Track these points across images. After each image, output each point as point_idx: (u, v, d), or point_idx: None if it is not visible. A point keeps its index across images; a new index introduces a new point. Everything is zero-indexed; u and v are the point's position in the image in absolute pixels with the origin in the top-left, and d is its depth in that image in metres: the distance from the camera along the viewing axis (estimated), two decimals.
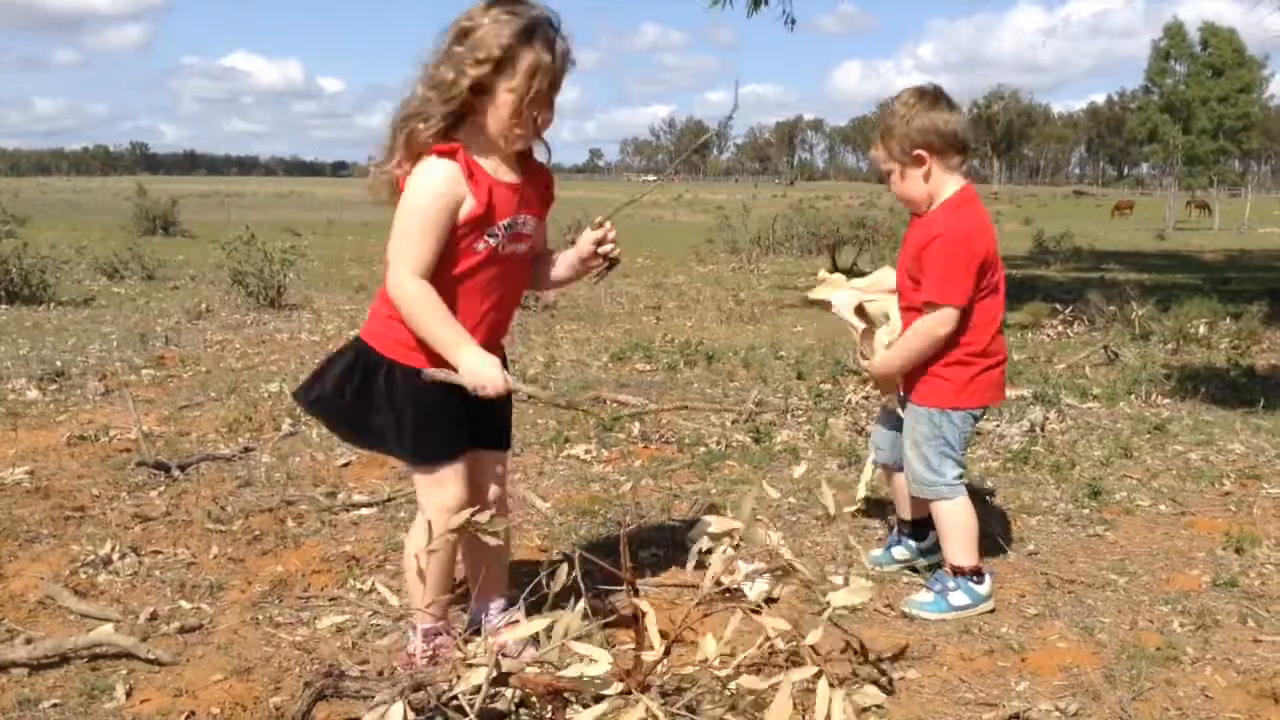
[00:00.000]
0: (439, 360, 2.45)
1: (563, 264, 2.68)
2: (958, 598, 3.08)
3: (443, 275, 2.43)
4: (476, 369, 2.40)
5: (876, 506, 3.95)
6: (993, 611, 3.11)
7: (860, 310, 3.20)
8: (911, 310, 3.06)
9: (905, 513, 3.44)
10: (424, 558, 2.45)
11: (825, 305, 3.28)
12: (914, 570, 3.41)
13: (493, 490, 2.74)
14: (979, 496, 4.21)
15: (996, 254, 3.04)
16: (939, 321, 2.94)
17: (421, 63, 2.43)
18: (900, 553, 3.47)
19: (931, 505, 3.16)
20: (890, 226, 19.32)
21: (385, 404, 2.52)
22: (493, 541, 2.46)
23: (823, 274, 3.37)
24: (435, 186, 2.37)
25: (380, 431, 2.55)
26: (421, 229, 2.37)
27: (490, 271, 2.49)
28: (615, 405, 5.88)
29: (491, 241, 2.45)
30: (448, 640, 2.56)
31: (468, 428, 2.59)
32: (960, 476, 3.12)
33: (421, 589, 2.55)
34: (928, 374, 3.06)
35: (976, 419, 3.17)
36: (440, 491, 2.55)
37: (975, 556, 3.12)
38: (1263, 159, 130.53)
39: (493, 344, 2.56)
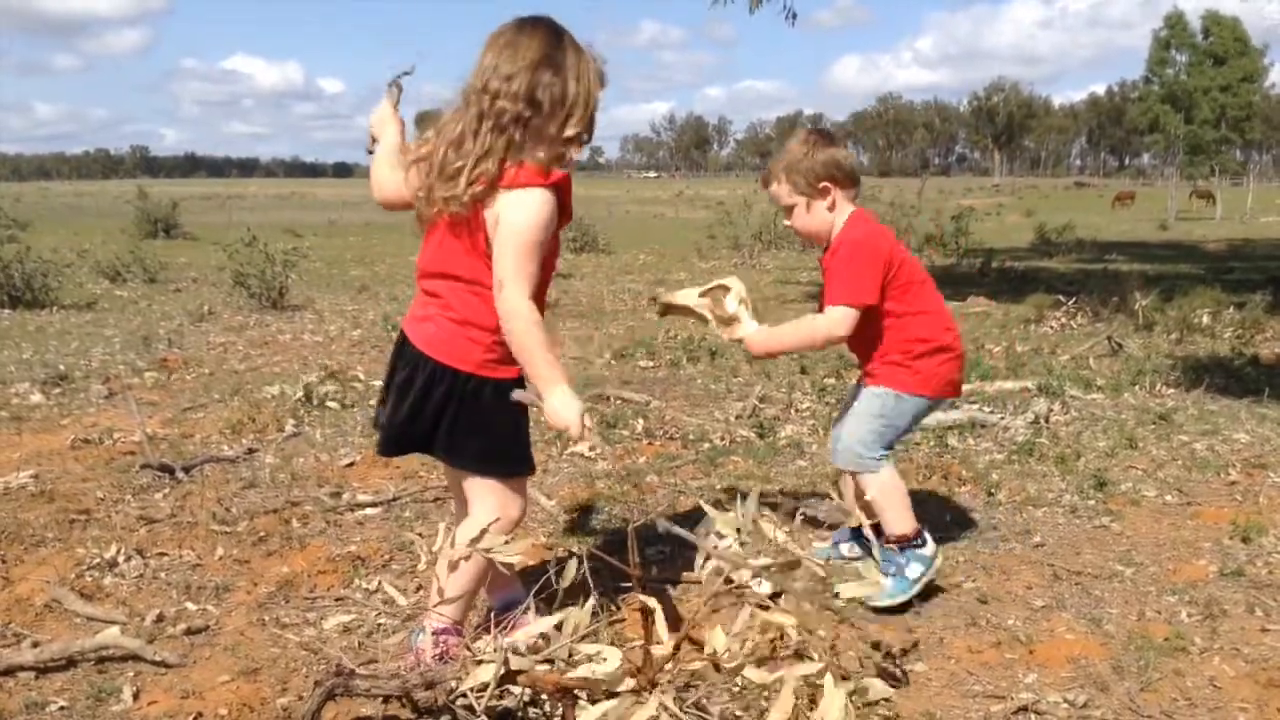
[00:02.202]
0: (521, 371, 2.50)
1: None
2: (913, 570, 3.10)
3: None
4: (561, 410, 2.41)
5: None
6: (935, 575, 3.14)
7: (703, 295, 3.22)
8: None
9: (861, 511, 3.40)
10: (469, 564, 2.48)
11: (676, 309, 3.27)
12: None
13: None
14: (984, 490, 4.21)
15: (905, 252, 3.18)
16: (837, 321, 3.03)
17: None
18: (847, 549, 3.47)
19: (858, 479, 3.18)
20: (891, 220, 19.31)
21: (473, 420, 2.53)
22: (506, 569, 2.48)
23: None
24: (548, 211, 2.43)
25: (470, 448, 2.57)
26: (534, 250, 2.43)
27: (549, 273, 2.57)
28: (619, 403, 5.88)
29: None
30: (457, 639, 2.56)
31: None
32: (885, 456, 3.17)
33: (453, 587, 2.56)
34: (891, 364, 3.13)
35: (927, 410, 3.25)
36: (513, 501, 2.60)
37: (913, 521, 3.15)
38: (1264, 148, 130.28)
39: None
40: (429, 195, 2.49)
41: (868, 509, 3.23)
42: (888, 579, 3.11)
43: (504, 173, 2.42)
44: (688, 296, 3.19)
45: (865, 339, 3.12)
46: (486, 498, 2.58)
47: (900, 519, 3.14)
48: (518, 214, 2.40)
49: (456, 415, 2.53)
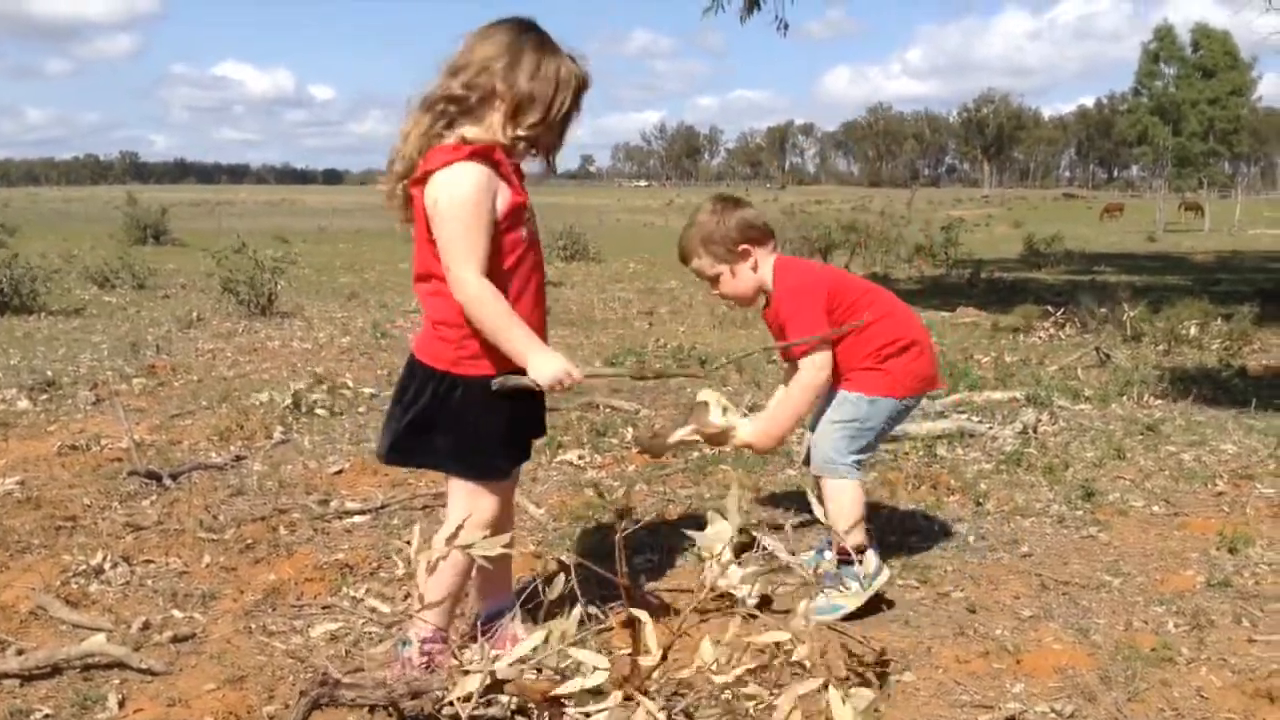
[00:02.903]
0: (504, 365, 2.45)
1: None
2: (852, 587, 3.09)
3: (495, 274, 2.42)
4: (544, 370, 2.39)
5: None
6: (888, 584, 3.14)
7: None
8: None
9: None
10: (446, 566, 2.46)
11: (667, 449, 3.25)
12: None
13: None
14: (972, 499, 4.22)
15: (843, 275, 3.32)
16: (815, 367, 3.08)
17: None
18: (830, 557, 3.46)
19: (823, 483, 3.16)
20: (881, 230, 19.39)
21: (446, 419, 2.50)
22: (487, 564, 2.45)
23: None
24: (474, 182, 2.38)
25: (437, 448, 2.54)
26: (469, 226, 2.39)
27: (533, 270, 2.53)
28: (609, 411, 5.88)
29: (527, 228, 2.50)
30: (443, 648, 2.55)
31: (521, 449, 2.63)
32: (859, 463, 3.18)
33: (431, 591, 2.54)
34: (863, 370, 3.14)
35: (905, 410, 3.27)
36: (486, 503, 2.55)
37: (862, 534, 3.14)
38: (1252, 161, 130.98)
39: (544, 335, 2.56)
40: (387, 196, 2.52)
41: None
42: (824, 596, 3.09)
43: (431, 156, 2.40)
44: (673, 436, 3.16)
45: (837, 360, 3.16)
46: (459, 498, 2.56)
47: (848, 530, 3.09)
48: (444, 191, 2.36)
49: (434, 414, 2.51)
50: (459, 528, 2.32)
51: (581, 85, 2.50)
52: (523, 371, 2.43)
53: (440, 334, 2.48)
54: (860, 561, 3.09)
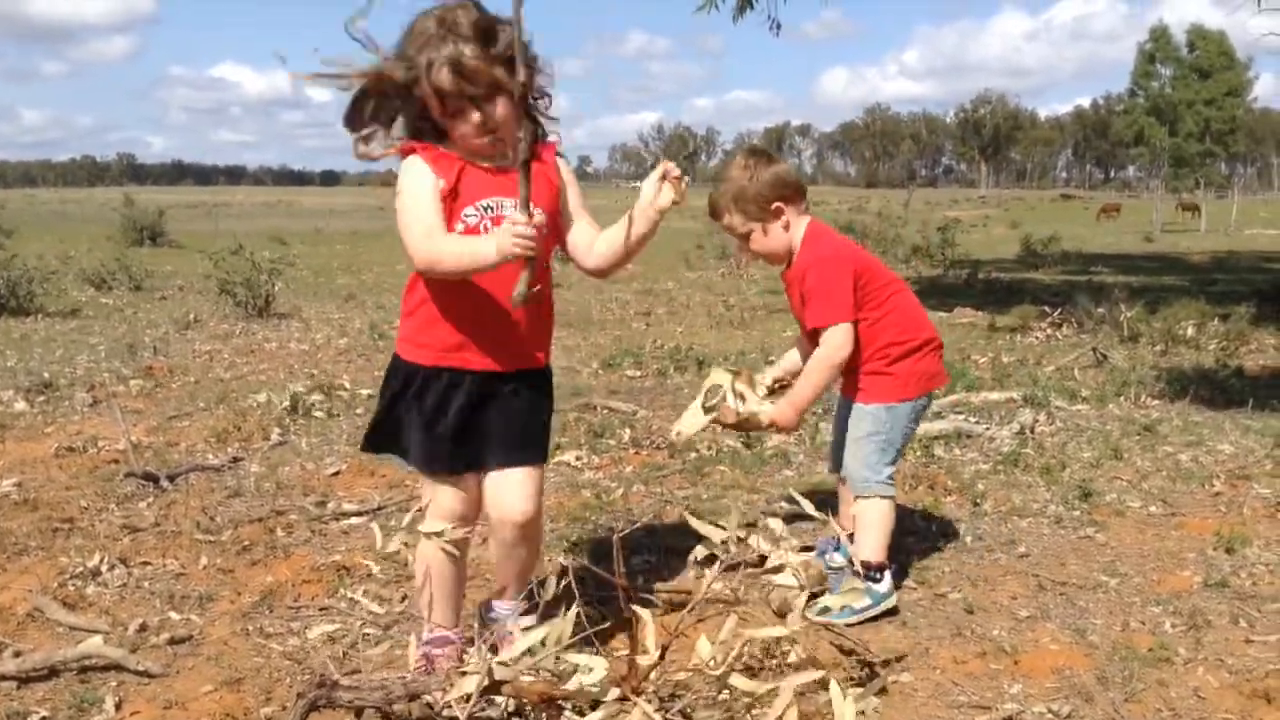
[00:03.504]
0: (440, 353, 2.49)
1: (614, 233, 2.58)
2: (861, 600, 3.08)
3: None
4: (497, 245, 2.27)
5: None
6: (895, 610, 3.12)
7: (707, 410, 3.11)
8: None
9: (847, 523, 3.31)
10: (418, 561, 2.51)
11: (694, 435, 3.20)
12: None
13: (508, 505, 2.59)
14: (969, 500, 4.22)
15: (873, 261, 3.21)
16: (834, 345, 3.02)
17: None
18: (835, 559, 3.45)
19: (858, 500, 3.16)
20: (879, 231, 19.39)
21: (405, 405, 2.56)
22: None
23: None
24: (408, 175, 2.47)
25: (397, 435, 2.60)
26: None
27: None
28: (606, 411, 5.87)
29: (470, 221, 2.45)
30: (450, 650, 2.56)
31: (471, 445, 2.56)
32: (891, 477, 3.16)
33: (425, 596, 2.57)
34: (870, 374, 3.13)
35: (922, 409, 3.26)
36: (435, 497, 2.56)
37: (884, 555, 3.14)
38: (1249, 161, 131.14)
39: (513, 342, 2.53)
40: None
41: (853, 521, 3.23)
42: (833, 595, 3.10)
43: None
44: (696, 419, 3.08)
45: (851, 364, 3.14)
46: (423, 485, 2.64)
47: (874, 547, 3.12)
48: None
49: (388, 394, 2.62)
50: (418, 514, 2.35)
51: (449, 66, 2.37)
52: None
53: (402, 324, 2.61)
54: (879, 580, 3.10)
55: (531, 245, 2.23)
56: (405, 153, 2.47)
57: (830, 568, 3.36)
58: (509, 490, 2.58)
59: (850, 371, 3.16)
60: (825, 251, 3.08)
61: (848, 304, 3.02)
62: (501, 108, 2.38)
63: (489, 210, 2.45)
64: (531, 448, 2.63)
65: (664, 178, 2.47)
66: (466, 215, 2.44)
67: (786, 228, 3.10)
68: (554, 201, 2.55)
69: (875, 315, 3.10)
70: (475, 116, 2.39)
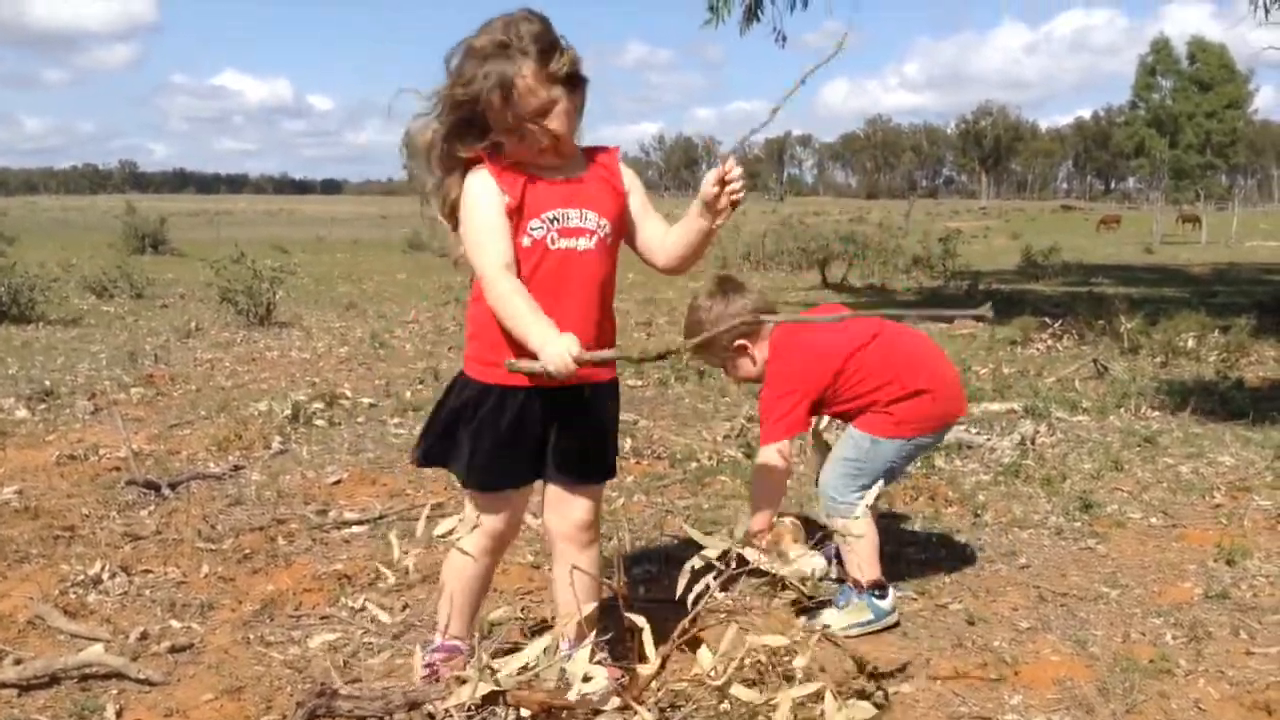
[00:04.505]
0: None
1: (679, 231, 2.55)
2: (862, 614, 3.08)
3: None
4: (545, 349, 2.25)
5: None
6: (896, 625, 3.11)
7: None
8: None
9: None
10: (448, 572, 2.56)
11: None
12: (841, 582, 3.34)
13: (573, 521, 2.62)
14: (970, 511, 4.22)
15: (843, 351, 3.14)
16: (769, 454, 3.13)
17: None
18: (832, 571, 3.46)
19: (830, 519, 3.15)
20: (879, 241, 19.39)
21: (463, 422, 2.52)
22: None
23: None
24: (471, 191, 2.41)
25: (453, 451, 2.56)
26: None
27: (548, 269, 2.44)
28: None
29: (537, 234, 2.42)
30: (458, 660, 2.56)
31: (531, 463, 2.56)
32: (860, 499, 3.11)
33: (446, 605, 2.58)
34: (872, 411, 3.14)
35: (918, 448, 3.27)
36: (483, 515, 2.54)
37: (877, 571, 3.13)
38: (1249, 173, 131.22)
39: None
40: None
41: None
42: (835, 609, 3.10)
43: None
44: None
45: (843, 413, 3.22)
46: (469, 508, 2.59)
47: (864, 567, 3.12)
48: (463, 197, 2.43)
49: (449, 408, 2.58)
50: (452, 528, 2.32)
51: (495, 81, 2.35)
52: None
53: (468, 343, 2.56)
54: (883, 597, 3.10)
55: (568, 378, 2.28)
56: (472, 163, 2.42)
57: (833, 579, 3.37)
58: (574, 505, 2.60)
59: (854, 404, 3.17)
60: (779, 367, 3.17)
61: (789, 422, 3.11)
62: (557, 122, 2.37)
63: (555, 222, 2.43)
64: (598, 462, 2.63)
65: (720, 181, 2.38)
66: (533, 228, 2.41)
67: (754, 361, 3.23)
68: (620, 208, 2.54)
69: (874, 386, 3.11)
70: (535, 132, 2.37)
